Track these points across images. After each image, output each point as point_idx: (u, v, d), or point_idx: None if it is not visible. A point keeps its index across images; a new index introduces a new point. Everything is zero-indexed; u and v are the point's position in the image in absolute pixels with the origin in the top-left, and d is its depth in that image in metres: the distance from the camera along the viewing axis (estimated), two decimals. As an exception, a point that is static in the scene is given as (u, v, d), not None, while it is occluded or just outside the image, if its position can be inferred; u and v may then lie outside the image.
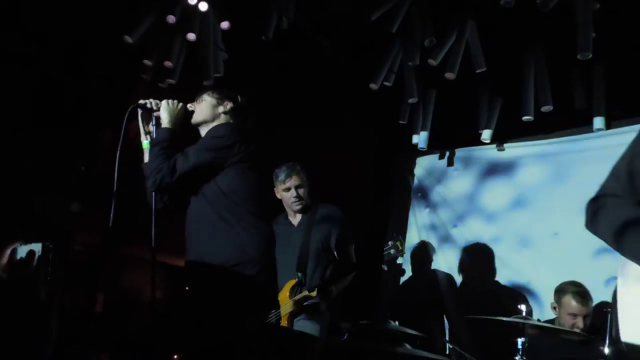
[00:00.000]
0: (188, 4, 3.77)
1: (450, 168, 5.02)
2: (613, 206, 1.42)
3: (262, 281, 2.52)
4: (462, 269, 4.64)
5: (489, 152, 4.76)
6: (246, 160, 2.61)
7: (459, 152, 5.00)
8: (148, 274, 2.30)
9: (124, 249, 4.26)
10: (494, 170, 4.73)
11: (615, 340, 1.30)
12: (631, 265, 1.31)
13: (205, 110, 2.73)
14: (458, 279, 4.65)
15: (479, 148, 4.77)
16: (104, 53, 3.81)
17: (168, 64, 3.94)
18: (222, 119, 2.73)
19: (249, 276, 2.42)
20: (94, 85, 3.82)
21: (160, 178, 2.48)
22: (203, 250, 2.49)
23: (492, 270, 4.46)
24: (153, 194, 2.53)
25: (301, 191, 3.51)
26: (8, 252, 1.16)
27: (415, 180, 5.23)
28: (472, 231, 4.69)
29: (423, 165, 5.22)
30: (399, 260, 4.51)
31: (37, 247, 1.45)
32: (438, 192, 5.03)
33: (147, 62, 3.90)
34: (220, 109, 2.73)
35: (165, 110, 2.65)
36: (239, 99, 2.81)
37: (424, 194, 5.14)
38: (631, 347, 1.25)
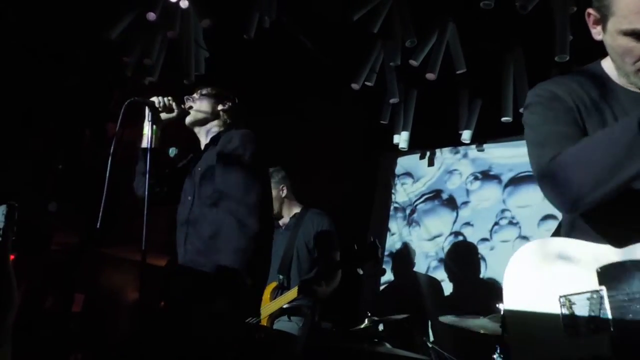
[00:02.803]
0: (169, 1, 3.74)
1: (432, 168, 5.06)
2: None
3: (259, 287, 2.46)
4: (444, 268, 4.68)
5: (470, 153, 4.81)
6: (252, 163, 2.47)
7: (439, 152, 5.05)
8: (128, 274, 2.24)
9: (104, 248, 4.21)
10: (475, 170, 4.79)
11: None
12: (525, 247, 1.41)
13: (206, 108, 2.56)
14: (440, 278, 4.69)
15: (459, 148, 4.82)
16: (84, 50, 3.76)
17: (147, 61, 3.90)
18: (222, 117, 2.59)
19: (245, 281, 2.30)
20: (72, 83, 3.77)
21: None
22: (200, 254, 2.34)
23: (473, 270, 4.51)
24: (147, 182, 2.29)
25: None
26: None
27: (397, 180, 5.27)
28: (454, 231, 4.73)
29: (404, 165, 5.26)
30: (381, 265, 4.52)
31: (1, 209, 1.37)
32: (419, 192, 5.07)
33: (126, 59, 3.86)
34: (220, 106, 2.59)
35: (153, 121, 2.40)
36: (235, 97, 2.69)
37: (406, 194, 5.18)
38: (509, 313, 1.38)
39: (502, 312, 3.06)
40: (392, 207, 5.19)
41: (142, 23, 3.76)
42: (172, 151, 3.08)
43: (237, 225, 2.34)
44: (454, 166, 4.91)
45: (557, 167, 1.30)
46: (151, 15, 3.72)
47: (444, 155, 5.01)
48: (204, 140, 2.58)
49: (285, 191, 3.56)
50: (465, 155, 4.87)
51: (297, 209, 3.59)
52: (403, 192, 5.13)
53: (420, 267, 4.81)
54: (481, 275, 4.48)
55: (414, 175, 5.14)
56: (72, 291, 4.11)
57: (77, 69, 3.80)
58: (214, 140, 2.51)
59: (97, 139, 3.98)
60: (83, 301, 4.21)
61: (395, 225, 5.13)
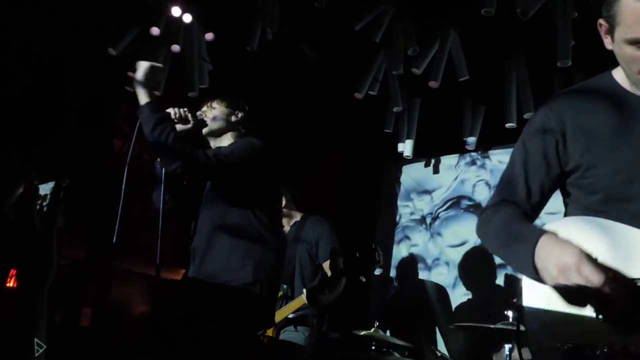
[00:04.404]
0: (172, 15, 3.78)
1: (436, 175, 5.06)
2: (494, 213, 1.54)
3: (272, 298, 2.46)
4: (450, 276, 4.66)
5: (474, 160, 4.81)
6: (268, 174, 2.48)
7: (444, 160, 5.04)
8: (137, 288, 2.24)
9: (112, 262, 4.22)
10: (480, 177, 4.78)
11: (518, 307, 1.43)
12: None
13: (220, 119, 2.57)
14: (447, 286, 4.67)
15: (464, 155, 4.82)
16: (88, 65, 3.80)
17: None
18: (237, 127, 2.60)
19: (263, 295, 2.34)
20: (78, 98, 3.80)
21: (195, 160, 2.20)
22: (219, 268, 2.32)
23: (481, 276, 4.48)
24: (162, 196, 2.31)
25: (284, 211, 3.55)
26: (19, 190, 1.17)
27: (402, 188, 5.26)
28: (460, 238, 4.72)
29: (409, 173, 5.26)
30: (377, 271, 4.50)
31: (48, 186, 1.36)
32: (424, 200, 5.06)
33: (131, 74, 3.88)
34: (233, 118, 2.60)
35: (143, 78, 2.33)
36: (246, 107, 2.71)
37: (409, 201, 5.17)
38: (529, 310, 1.38)
39: (510, 319, 3.05)
40: (410, 218, 5.13)
41: (146, 38, 3.80)
42: None
43: (255, 239, 2.35)
44: (468, 174, 4.87)
45: (484, 223, 1.55)
46: (155, 30, 3.76)
47: (458, 162, 4.96)
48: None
49: (284, 201, 3.56)
50: (477, 162, 4.83)
51: (296, 217, 3.59)
52: (422, 202, 5.07)
53: (443, 276, 4.75)
54: (486, 283, 4.46)
55: (429, 186, 5.08)
56: (80, 305, 4.12)
57: (83, 84, 3.83)
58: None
59: (103, 153, 4.00)
60: (91, 315, 4.21)
61: (418, 236, 5.06)
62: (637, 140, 1.42)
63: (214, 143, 2.59)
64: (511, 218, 1.49)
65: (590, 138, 1.47)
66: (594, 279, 1.17)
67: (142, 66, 2.33)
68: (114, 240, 2.10)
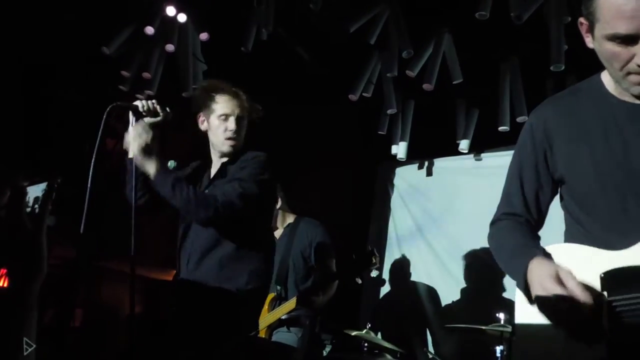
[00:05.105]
0: (167, 15, 3.77)
1: (430, 178, 5.06)
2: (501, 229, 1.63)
3: (262, 304, 2.49)
4: (443, 278, 4.66)
5: (467, 162, 4.82)
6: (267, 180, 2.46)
7: (438, 162, 5.05)
8: (127, 288, 2.22)
9: (103, 262, 4.20)
10: (473, 179, 4.78)
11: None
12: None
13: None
14: (439, 288, 4.67)
15: (457, 158, 4.82)
16: (81, 65, 3.78)
17: (146, 75, 3.92)
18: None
19: (255, 303, 2.37)
20: (70, 98, 3.78)
21: (222, 204, 2.22)
22: (214, 273, 2.32)
23: (473, 279, 4.49)
24: (133, 192, 2.26)
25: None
26: (8, 192, 1.17)
27: (395, 191, 5.26)
28: (452, 240, 4.72)
29: (402, 176, 5.26)
30: (373, 274, 4.50)
31: (40, 187, 1.34)
32: (418, 202, 5.06)
33: (125, 73, 3.87)
34: None
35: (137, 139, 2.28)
36: None
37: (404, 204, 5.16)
38: (519, 326, 1.47)
39: (501, 321, 3.06)
40: (403, 220, 5.12)
41: (140, 37, 3.78)
42: (171, 164, 3.08)
43: (252, 246, 2.36)
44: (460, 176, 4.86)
45: (490, 239, 1.65)
46: (149, 30, 3.75)
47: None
48: (218, 156, 2.57)
49: (279, 202, 3.56)
50: (470, 165, 4.83)
51: (290, 219, 3.59)
52: (415, 205, 5.06)
53: (436, 279, 4.72)
54: (478, 286, 4.46)
55: (423, 188, 5.08)
56: (72, 306, 4.09)
57: (75, 83, 3.81)
58: (235, 156, 2.52)
59: (95, 152, 3.97)
60: (82, 316, 4.18)
61: (410, 238, 5.02)
62: (615, 148, 1.42)
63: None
64: (510, 233, 1.56)
65: (571, 147, 1.49)
66: (570, 284, 1.25)
67: (130, 138, 2.30)
68: (81, 231, 2.08)
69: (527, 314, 1.41)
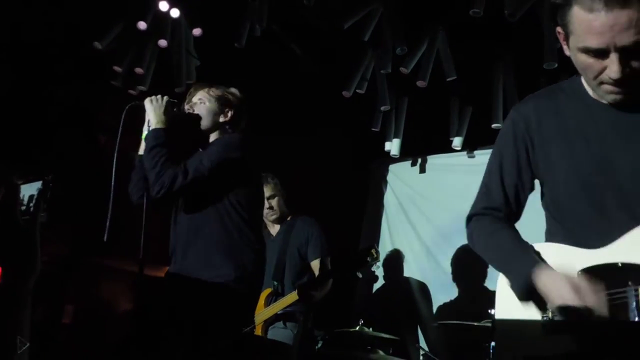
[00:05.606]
0: (160, 10, 3.74)
1: (423, 175, 5.08)
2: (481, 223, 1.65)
3: (255, 296, 2.46)
4: (435, 274, 4.68)
5: (461, 159, 4.83)
6: (249, 171, 2.47)
7: (431, 159, 5.06)
8: (120, 285, 2.20)
9: (95, 258, 4.17)
10: (466, 177, 4.79)
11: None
12: None
13: (207, 118, 2.53)
14: (431, 285, 4.69)
15: (450, 155, 4.83)
16: (73, 59, 3.75)
17: (139, 70, 3.89)
18: (223, 129, 2.56)
19: (244, 292, 2.34)
20: (62, 93, 3.75)
21: (169, 183, 2.24)
22: (200, 263, 2.32)
23: (465, 275, 4.50)
24: (145, 193, 2.30)
25: (274, 201, 3.54)
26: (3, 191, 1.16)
27: (388, 188, 5.27)
28: (445, 237, 4.73)
29: (396, 173, 5.27)
30: (373, 268, 4.53)
31: (35, 186, 1.33)
32: (411, 199, 5.08)
33: (117, 68, 3.85)
34: (222, 118, 2.55)
35: (150, 111, 2.39)
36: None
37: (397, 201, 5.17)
38: (500, 322, 1.51)
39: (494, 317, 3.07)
40: (396, 216, 5.12)
41: (132, 32, 3.76)
42: None
43: (236, 236, 2.35)
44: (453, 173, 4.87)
45: (474, 235, 1.65)
46: (142, 25, 3.72)
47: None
48: None
49: (277, 201, 3.59)
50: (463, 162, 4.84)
51: (287, 217, 3.63)
52: (408, 201, 5.06)
53: (429, 275, 4.73)
54: (470, 282, 4.47)
55: (416, 185, 5.08)
56: (62, 303, 4.07)
57: (67, 79, 3.78)
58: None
59: (87, 148, 3.96)
60: (73, 313, 4.16)
61: (403, 234, 5.02)
62: (593, 148, 1.45)
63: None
64: (499, 232, 1.58)
65: (552, 147, 1.52)
66: (587, 298, 1.30)
67: (152, 107, 2.40)
68: (105, 238, 2.08)
69: (508, 310, 1.46)
